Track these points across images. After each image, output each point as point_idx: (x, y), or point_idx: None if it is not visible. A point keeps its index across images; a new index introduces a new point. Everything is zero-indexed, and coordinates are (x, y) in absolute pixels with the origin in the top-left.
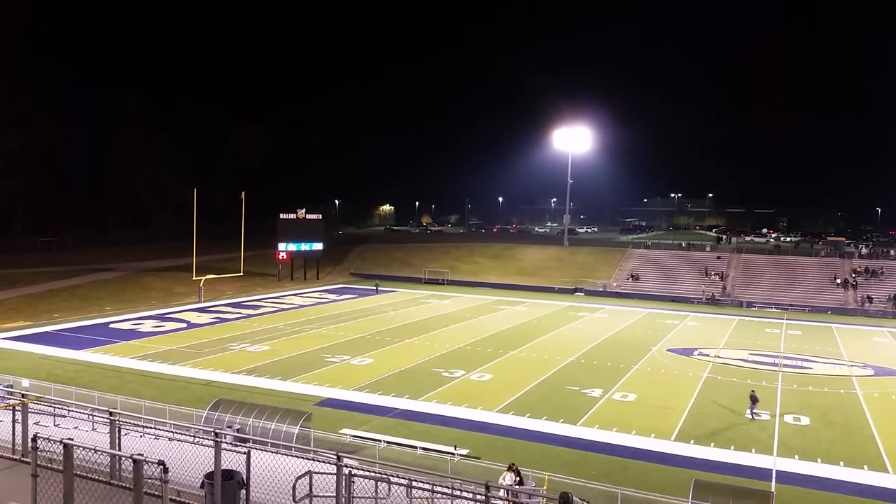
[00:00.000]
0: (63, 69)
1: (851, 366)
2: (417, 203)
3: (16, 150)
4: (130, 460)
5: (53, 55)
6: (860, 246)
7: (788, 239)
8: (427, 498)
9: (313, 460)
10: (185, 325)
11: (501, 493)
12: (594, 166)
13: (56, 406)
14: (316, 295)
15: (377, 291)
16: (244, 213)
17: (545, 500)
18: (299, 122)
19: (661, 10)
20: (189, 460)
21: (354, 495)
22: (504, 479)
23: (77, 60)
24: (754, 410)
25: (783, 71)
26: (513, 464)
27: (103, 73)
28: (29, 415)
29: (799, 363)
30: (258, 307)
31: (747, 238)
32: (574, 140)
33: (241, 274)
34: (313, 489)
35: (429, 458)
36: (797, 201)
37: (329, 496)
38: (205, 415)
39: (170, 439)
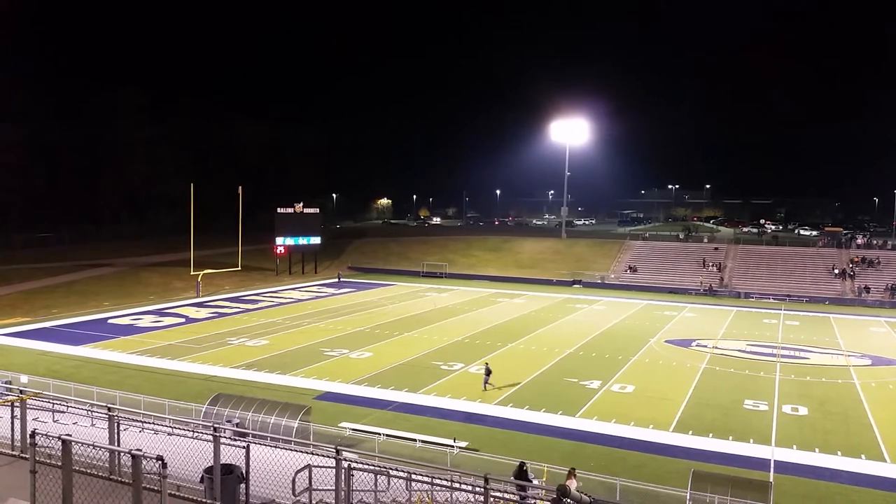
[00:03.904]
0: (58, 64)
1: (849, 356)
2: (415, 196)
3: (11, 146)
4: (129, 455)
5: (48, 50)
6: (856, 236)
7: (804, 232)
8: (426, 490)
9: (312, 454)
10: (183, 319)
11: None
12: (591, 158)
13: (55, 402)
14: (314, 289)
15: (339, 279)
16: (241, 208)
17: (544, 492)
18: (296, 115)
19: (657, 2)
20: (188, 455)
21: (354, 488)
22: (570, 486)
23: (72, 55)
24: (487, 382)
25: (780, 62)
26: (573, 468)
27: (99, 67)
28: (28, 411)
29: (796, 353)
30: (256, 301)
31: (744, 229)
32: (571, 132)
33: (240, 268)
34: (313, 483)
35: (428, 450)
36: (795, 192)
37: (328, 489)
38: (204, 409)
39: (169, 434)
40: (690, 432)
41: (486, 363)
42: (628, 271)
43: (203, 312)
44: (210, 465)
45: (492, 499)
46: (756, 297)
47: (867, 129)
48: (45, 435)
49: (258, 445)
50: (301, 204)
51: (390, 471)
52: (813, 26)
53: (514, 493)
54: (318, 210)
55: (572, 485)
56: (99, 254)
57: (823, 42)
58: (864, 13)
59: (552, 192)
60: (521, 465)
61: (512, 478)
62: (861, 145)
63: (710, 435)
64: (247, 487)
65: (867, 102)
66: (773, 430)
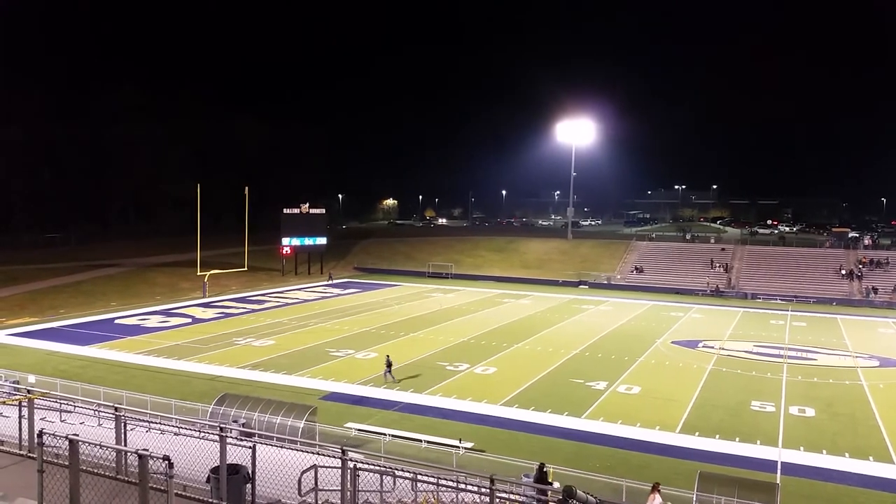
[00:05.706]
0: (63, 64)
1: (856, 357)
2: (421, 197)
3: (17, 146)
4: (136, 455)
5: (53, 50)
6: (864, 237)
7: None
8: (432, 491)
9: (318, 454)
10: (190, 320)
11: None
12: (597, 159)
13: (62, 402)
14: (320, 289)
15: (330, 278)
16: (248, 208)
17: (550, 493)
18: (302, 116)
19: (663, 1)
20: (195, 455)
21: (360, 489)
22: (654, 501)
23: (77, 55)
24: (389, 373)
25: (787, 61)
26: (657, 483)
27: (103, 67)
28: (35, 410)
29: (804, 354)
30: (263, 302)
31: (751, 229)
32: (577, 132)
33: (246, 269)
34: (319, 483)
35: (433, 451)
36: (801, 192)
37: (334, 490)
38: (210, 409)
39: (175, 434)
40: (697, 433)
41: (388, 355)
42: (634, 272)
43: (209, 313)
44: (216, 465)
45: (497, 500)
46: (763, 297)
47: (874, 129)
48: (53, 434)
49: (264, 445)
50: (307, 204)
51: (396, 471)
52: (820, 25)
53: (519, 494)
54: (324, 210)
55: (655, 500)
56: (105, 254)
57: (831, 42)
58: (868, 10)
59: (558, 192)
60: (541, 466)
61: (523, 478)
62: (868, 145)
63: (717, 436)
64: (253, 487)
65: (875, 103)
66: (780, 431)
